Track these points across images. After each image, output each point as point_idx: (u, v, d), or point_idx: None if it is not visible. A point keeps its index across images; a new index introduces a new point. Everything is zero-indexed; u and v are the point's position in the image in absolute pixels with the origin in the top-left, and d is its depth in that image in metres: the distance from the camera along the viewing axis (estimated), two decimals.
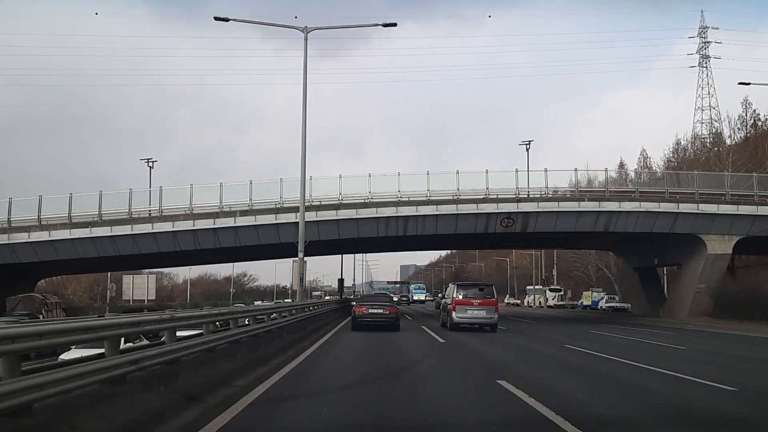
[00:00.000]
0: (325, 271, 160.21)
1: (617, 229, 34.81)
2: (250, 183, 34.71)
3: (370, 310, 23.60)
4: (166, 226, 33.93)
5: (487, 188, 34.49)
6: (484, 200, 34.43)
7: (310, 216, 34.15)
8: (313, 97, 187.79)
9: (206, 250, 34.92)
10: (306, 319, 20.19)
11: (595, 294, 62.64)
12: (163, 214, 34.21)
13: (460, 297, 23.49)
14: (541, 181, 34.98)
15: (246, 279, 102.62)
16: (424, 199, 34.53)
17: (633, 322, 34.42)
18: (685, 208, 34.56)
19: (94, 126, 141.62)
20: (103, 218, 33.93)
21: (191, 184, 34.67)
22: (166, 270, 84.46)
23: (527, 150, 43.37)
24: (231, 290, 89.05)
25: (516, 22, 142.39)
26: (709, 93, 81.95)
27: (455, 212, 34.26)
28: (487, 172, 34.73)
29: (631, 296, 48.68)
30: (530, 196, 34.77)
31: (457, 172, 34.80)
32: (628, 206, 34.47)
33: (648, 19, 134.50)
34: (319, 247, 38.21)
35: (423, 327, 25.87)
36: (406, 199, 34.60)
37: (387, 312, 23.56)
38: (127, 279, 62.87)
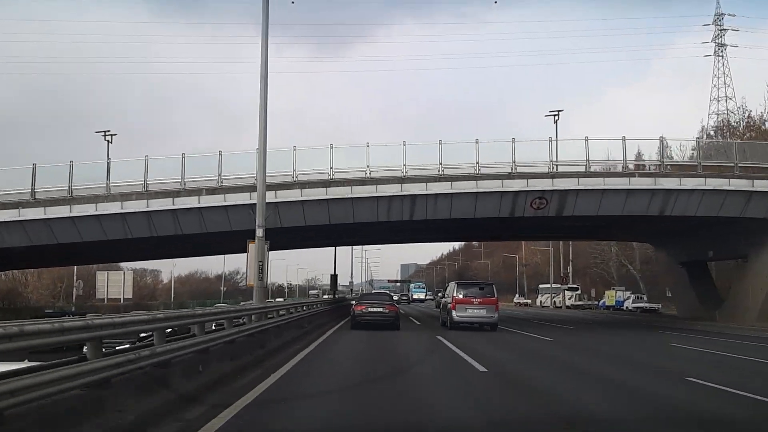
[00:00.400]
0: (326, 268, 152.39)
1: (675, 213, 27.31)
2: (219, 154, 27.28)
3: (369, 309, 23.00)
4: (114, 207, 26.54)
5: (514, 162, 27.03)
6: (511, 176, 26.99)
7: (293, 195, 26.89)
8: (312, 96, 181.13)
9: (165, 237, 27.47)
10: (266, 330, 12.76)
11: (619, 293, 55.23)
12: (111, 192, 26.86)
13: (461, 296, 22.85)
14: (580, 155, 27.54)
15: (239, 277, 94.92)
16: (436, 174, 27.10)
17: (696, 329, 27.07)
18: (762, 185, 27.11)
19: (92, 123, 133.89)
20: (36, 197, 26.59)
21: (146, 156, 27.29)
22: (150, 267, 77.33)
23: (555, 122, 35.89)
24: (222, 288, 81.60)
25: (516, 17, 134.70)
26: (725, 83, 75.54)
27: (474, 190, 26.80)
28: (513, 141, 27.26)
29: (676, 295, 41.22)
30: (567, 171, 27.37)
31: (477, 141, 27.32)
32: (690, 183, 26.99)
33: (648, 12, 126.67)
34: (304, 234, 30.89)
35: (441, 339, 18.42)
36: (414, 174, 27.21)
37: (386, 311, 22.90)
38: (101, 276, 55.86)
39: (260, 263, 14.50)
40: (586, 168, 27.24)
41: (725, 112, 72.45)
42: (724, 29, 76.39)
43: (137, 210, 26.42)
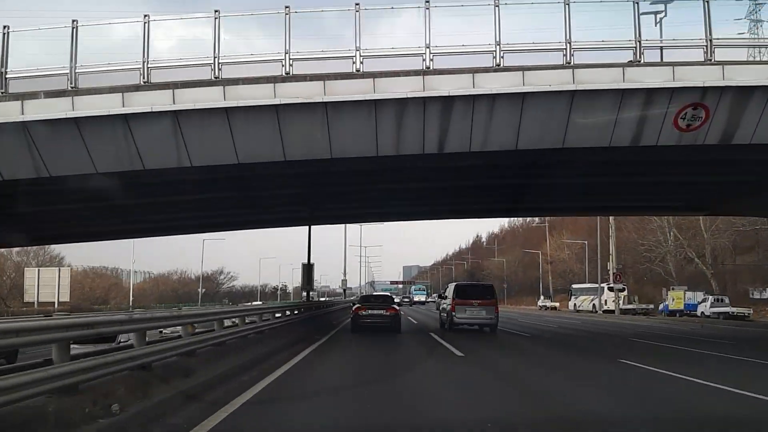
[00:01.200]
0: (330, 269, 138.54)
1: None
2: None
3: (369, 311, 21.52)
4: None
5: (639, 40, 13.50)
6: (635, 64, 13.44)
7: (210, 97, 13.21)
8: None
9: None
10: None
11: (689, 294, 41.51)
12: None
13: (460, 298, 22.08)
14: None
15: (223, 277, 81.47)
16: (489, 65, 13.53)
17: None
18: None
19: None
20: None
21: None
22: (111, 264, 63.99)
23: (658, 22, 21.93)
24: (200, 290, 67.92)
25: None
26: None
27: (569, 87, 13.19)
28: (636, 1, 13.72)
29: None
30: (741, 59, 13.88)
31: (566, 1, 13.76)
32: None
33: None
34: (239, 191, 17.20)
35: None
36: (445, 66, 13.65)
37: (387, 313, 21.34)
38: (30, 273, 42.42)
39: None
40: None
41: None
42: (761, 3, 63.65)
43: None
